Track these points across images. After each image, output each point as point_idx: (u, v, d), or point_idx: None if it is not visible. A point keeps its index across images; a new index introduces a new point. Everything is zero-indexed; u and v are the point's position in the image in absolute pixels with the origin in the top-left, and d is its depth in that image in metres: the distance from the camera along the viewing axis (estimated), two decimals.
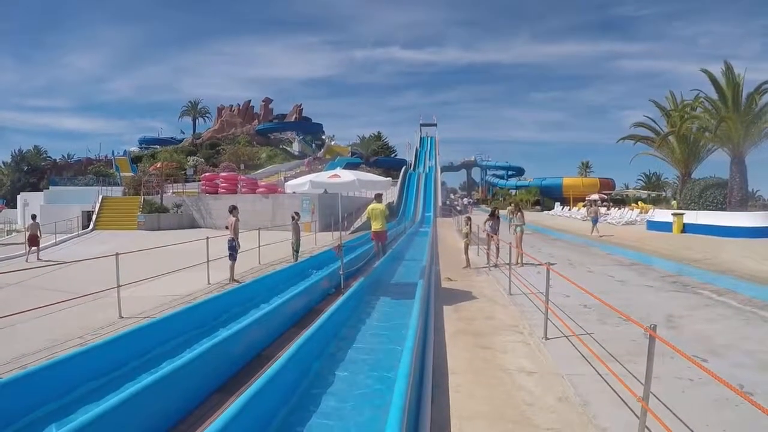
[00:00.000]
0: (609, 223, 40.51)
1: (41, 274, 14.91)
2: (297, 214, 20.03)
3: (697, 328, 9.11)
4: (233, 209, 15.68)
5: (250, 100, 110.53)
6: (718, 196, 29.60)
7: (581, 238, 27.76)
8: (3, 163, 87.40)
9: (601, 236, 27.91)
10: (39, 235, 23.64)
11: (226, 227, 15.73)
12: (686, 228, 27.60)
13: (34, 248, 23.18)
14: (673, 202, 42.74)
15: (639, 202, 52.73)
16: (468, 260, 18.12)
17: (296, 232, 19.20)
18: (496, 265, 17.30)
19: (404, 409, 4.84)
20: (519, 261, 17.21)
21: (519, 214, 18.54)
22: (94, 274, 14.11)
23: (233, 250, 15.13)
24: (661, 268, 16.36)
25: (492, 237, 18.10)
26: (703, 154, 34.77)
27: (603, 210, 46.37)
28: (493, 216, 19.05)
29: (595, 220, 30.67)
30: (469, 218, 20.25)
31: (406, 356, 6.39)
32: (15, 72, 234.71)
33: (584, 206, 52.18)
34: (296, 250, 19.05)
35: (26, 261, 22.45)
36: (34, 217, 24.71)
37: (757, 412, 4.37)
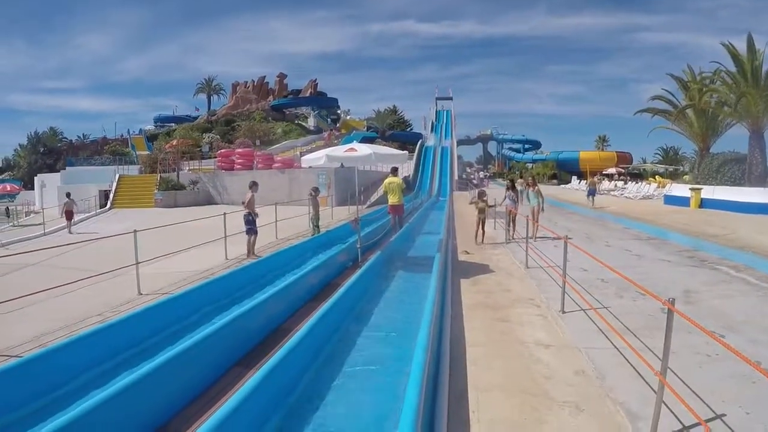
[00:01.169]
0: (626, 197, 40.36)
1: (60, 254, 15.04)
2: (316, 189, 19.47)
3: (715, 303, 9.09)
4: (253, 185, 15.78)
5: (264, 76, 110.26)
6: (736, 172, 29.38)
7: (598, 212, 27.65)
8: (19, 145, 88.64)
9: (597, 207, 29.98)
10: (74, 210, 28.10)
11: (243, 202, 15.77)
12: (704, 203, 27.43)
13: (70, 221, 27.05)
14: (686, 177, 42.78)
15: (656, 177, 52.38)
16: (481, 236, 17.54)
17: (315, 206, 18.79)
18: (513, 239, 17.09)
19: (423, 381, 4.91)
20: (534, 235, 16.58)
21: (536, 188, 18.30)
22: (112, 252, 14.21)
23: (251, 224, 15.16)
24: (679, 243, 16.28)
25: (511, 210, 17.81)
26: (721, 128, 34.44)
27: (607, 183, 47.23)
28: (513, 188, 18.76)
29: (592, 192, 32.46)
30: (483, 192, 19.05)
31: (424, 328, 6.45)
32: (27, 55, 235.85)
33: (601, 180, 51.96)
34: (316, 224, 18.71)
35: (69, 233, 25.55)
36: (68, 194, 29.28)
37: None
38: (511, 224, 17.83)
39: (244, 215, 15.24)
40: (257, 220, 15.40)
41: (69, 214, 27.36)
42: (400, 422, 4.11)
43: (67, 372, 6.25)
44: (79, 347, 6.60)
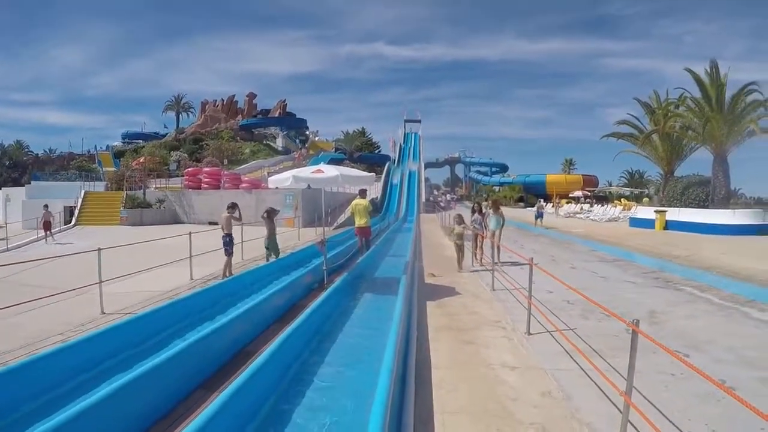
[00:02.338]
0: (592, 219, 40.81)
1: (22, 270, 14.69)
2: (271, 210, 17.05)
3: (679, 323, 9.17)
4: (231, 206, 15.29)
5: (234, 95, 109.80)
6: (700, 194, 29.85)
7: (565, 235, 27.88)
8: None
9: (545, 226, 33.58)
10: (51, 221, 29.88)
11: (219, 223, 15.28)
12: (669, 225, 27.82)
13: (48, 231, 28.87)
14: (645, 200, 44.21)
15: (622, 199, 53.11)
16: (460, 264, 16.24)
17: (270, 229, 16.59)
18: (481, 264, 16.74)
19: (387, 404, 4.81)
20: (498, 259, 15.86)
21: (499, 211, 17.60)
22: (75, 269, 13.95)
23: (228, 245, 14.74)
24: (644, 264, 16.45)
25: (478, 234, 17.17)
26: (685, 152, 35.20)
27: (573, 206, 49.94)
28: (479, 211, 17.81)
29: (540, 214, 36.10)
30: (460, 216, 17.30)
31: (389, 351, 6.35)
32: None
33: (567, 203, 52.75)
34: (270, 248, 16.63)
35: (46, 243, 27.48)
36: (46, 206, 30.81)
37: (739, 407, 4.38)
38: (478, 248, 17.38)
39: (223, 236, 14.80)
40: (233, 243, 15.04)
41: (47, 225, 29.05)
42: None
43: (15, 398, 5.97)
44: (31, 371, 6.33)
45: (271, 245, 16.46)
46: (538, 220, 35.42)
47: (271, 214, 16.53)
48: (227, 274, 14.39)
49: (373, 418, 4.49)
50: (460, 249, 16.36)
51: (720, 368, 6.64)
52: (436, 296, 12.13)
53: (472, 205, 19.20)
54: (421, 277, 15.04)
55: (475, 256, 17.25)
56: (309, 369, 7.77)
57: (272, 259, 16.27)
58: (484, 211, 18.31)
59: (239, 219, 15.54)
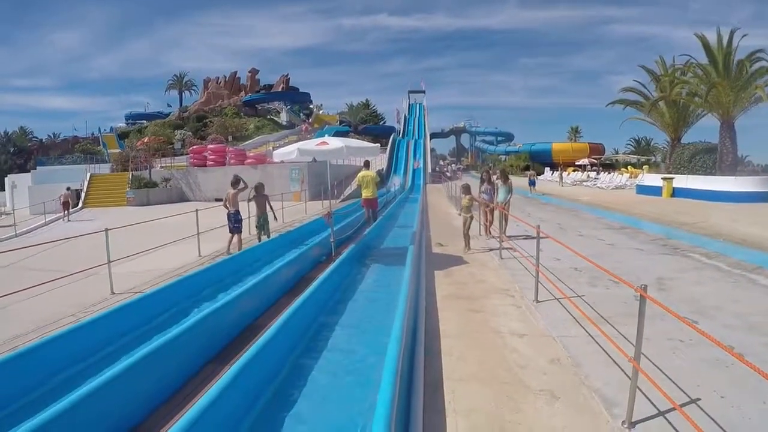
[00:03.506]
0: (599, 187, 40.73)
1: (31, 255, 14.73)
2: (261, 184, 15.81)
3: (687, 290, 9.16)
4: (236, 181, 15.03)
5: (236, 72, 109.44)
6: (707, 161, 29.73)
7: (571, 203, 27.82)
8: None
9: (542, 193, 36.14)
10: (70, 201, 33.15)
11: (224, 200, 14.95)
12: (676, 192, 27.74)
13: (67, 211, 32.07)
14: (645, 167, 44.96)
15: (629, 167, 52.92)
16: (468, 241, 14.45)
17: (260, 207, 15.45)
18: (490, 233, 16.14)
19: (397, 373, 4.85)
20: (504, 230, 14.73)
21: (508, 181, 16.23)
22: (84, 251, 13.95)
23: (237, 222, 14.51)
24: (651, 231, 16.41)
25: (488, 205, 16.04)
26: (692, 119, 34.80)
27: (579, 174, 51.44)
28: (488, 181, 16.51)
29: (533, 182, 39.61)
30: (467, 186, 15.28)
31: (398, 320, 6.39)
32: None
33: (573, 171, 52.67)
34: (261, 226, 15.57)
35: (63, 222, 30.52)
36: (68, 188, 34.65)
37: (747, 373, 4.40)
38: (488, 220, 16.40)
39: (232, 213, 14.54)
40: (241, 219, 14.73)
41: (66, 205, 32.05)
42: (374, 414, 4.04)
43: (36, 375, 6.07)
44: (48, 350, 6.39)
45: (263, 224, 15.56)
46: (531, 187, 38.44)
47: (260, 190, 15.45)
48: (237, 250, 14.07)
49: (383, 385, 4.53)
50: (468, 223, 14.50)
51: (728, 334, 6.65)
52: (444, 266, 12.15)
53: (480, 174, 17.89)
54: (429, 246, 15.06)
55: (485, 228, 16.52)
56: (323, 333, 7.88)
57: (264, 238, 15.45)
58: (493, 180, 17.02)
59: (246, 186, 15.27)
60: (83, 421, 4.74)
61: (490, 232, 16.30)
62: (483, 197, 16.09)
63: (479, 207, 16.12)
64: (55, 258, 14.80)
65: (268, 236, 15.65)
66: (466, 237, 14.51)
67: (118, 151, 62.23)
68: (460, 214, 15.03)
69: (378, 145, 17.99)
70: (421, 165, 59.61)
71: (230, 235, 14.55)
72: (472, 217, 14.58)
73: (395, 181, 47.90)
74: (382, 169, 51.15)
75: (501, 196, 16.07)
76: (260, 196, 15.32)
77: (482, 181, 16.87)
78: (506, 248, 13.13)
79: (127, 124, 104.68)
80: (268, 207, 15.47)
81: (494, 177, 17.85)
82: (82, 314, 8.94)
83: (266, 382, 5.88)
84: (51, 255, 15.07)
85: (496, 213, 15.58)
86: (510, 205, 16.14)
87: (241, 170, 37.12)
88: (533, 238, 10.25)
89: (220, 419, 4.70)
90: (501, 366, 6.13)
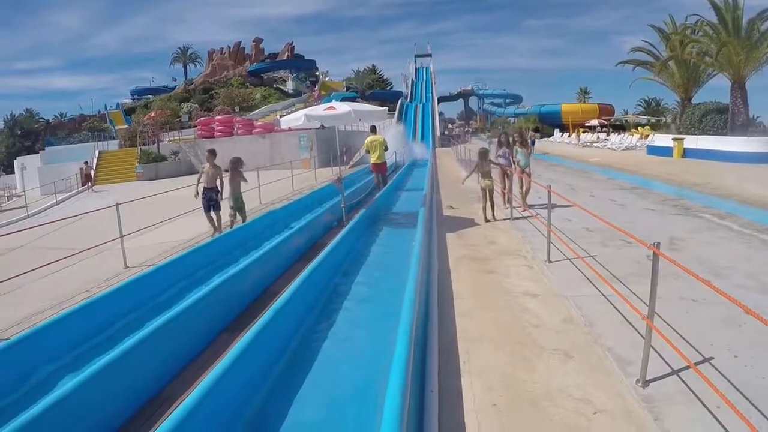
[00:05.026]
0: (609, 148, 40.47)
1: (43, 235, 14.79)
2: (237, 159, 13.68)
3: (699, 250, 9.15)
4: (210, 154, 13.32)
5: (240, 42, 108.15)
6: (718, 121, 29.39)
7: (581, 164, 27.69)
8: None
9: (543, 152, 37.36)
10: (91, 174, 36.08)
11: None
12: (687, 153, 27.48)
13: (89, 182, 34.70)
14: (646, 127, 45.21)
15: (639, 128, 52.52)
16: (486, 212, 13.06)
17: (234, 184, 13.28)
18: (507, 204, 13.51)
19: (411, 333, 4.89)
20: (524, 202, 13.94)
21: (526, 144, 14.82)
22: (96, 227, 13.96)
23: (209, 200, 12.80)
24: (662, 192, 16.32)
25: (506, 171, 13.94)
26: (703, 78, 34.28)
27: (589, 135, 53.27)
28: (506, 144, 14.45)
29: (532, 142, 37.36)
30: (485, 151, 13.60)
31: (411, 281, 6.42)
32: None
33: (584, 132, 52.39)
34: (236, 207, 13.43)
35: (89, 192, 33.10)
36: (86, 162, 37.42)
37: (761, 332, 4.42)
38: (507, 188, 13.90)
39: (205, 191, 12.92)
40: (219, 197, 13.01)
41: (88, 177, 35.08)
42: (390, 374, 4.08)
43: (57, 349, 6.21)
44: (65, 325, 6.51)
45: (237, 205, 13.48)
46: (531, 147, 36.61)
47: (236, 165, 13.40)
48: (219, 231, 12.85)
49: (398, 346, 4.57)
50: (488, 194, 12.99)
51: (742, 293, 6.63)
52: (455, 228, 12.17)
53: (498, 137, 15.86)
54: (439, 209, 15.06)
55: (504, 197, 14.13)
56: (341, 290, 8.14)
57: (238, 223, 13.33)
58: (509, 142, 14.59)
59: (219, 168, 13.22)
60: (101, 393, 4.83)
61: (507, 202, 13.70)
62: (500, 161, 14.13)
63: (500, 173, 14.15)
64: (68, 235, 14.89)
65: (244, 219, 13.58)
66: (485, 210, 13.05)
67: (125, 127, 61.78)
68: (479, 186, 13.29)
69: (386, 108, 17.84)
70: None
71: (208, 215, 12.94)
72: (491, 187, 12.97)
73: (415, 148, 45.97)
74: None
75: (522, 160, 14.14)
76: (235, 173, 13.25)
77: (499, 144, 14.87)
78: (525, 216, 12.95)
79: (133, 99, 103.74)
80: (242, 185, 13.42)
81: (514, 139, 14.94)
82: (96, 289, 9.01)
83: (280, 351, 5.94)
84: (64, 233, 15.18)
85: (516, 179, 14.13)
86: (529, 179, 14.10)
87: (250, 140, 37.29)
88: (554, 206, 10.23)
89: (239, 384, 4.77)
90: (514, 326, 6.18)
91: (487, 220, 12.93)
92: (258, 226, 13.07)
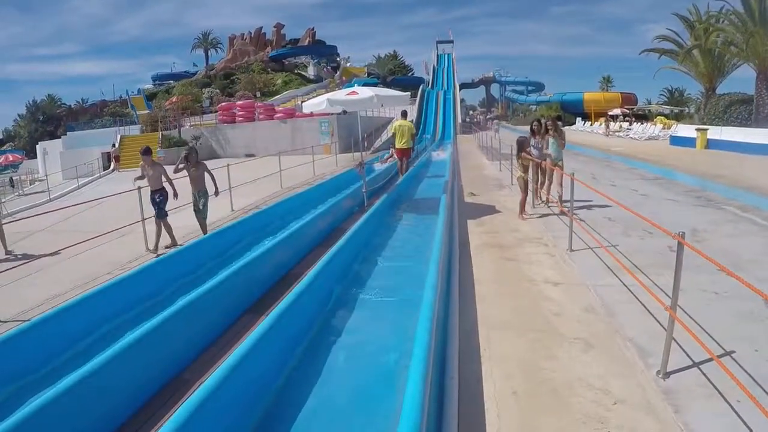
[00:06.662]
0: (631, 138, 40.09)
1: (65, 218, 14.96)
2: (192, 148, 12.10)
3: (722, 242, 9.08)
4: (188, 154, 11.49)
5: (261, 27, 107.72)
6: (743, 113, 29.06)
7: (604, 153, 27.49)
8: (19, 115, 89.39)
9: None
10: (119, 156, 36.91)
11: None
12: (710, 144, 27.15)
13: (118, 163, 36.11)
14: (661, 117, 44.72)
15: (661, 118, 52.01)
16: (523, 207, 11.92)
17: (196, 182, 11.54)
18: (543, 201, 13.25)
19: (433, 319, 4.92)
20: (547, 196, 13.18)
21: (559, 133, 13.04)
22: (118, 211, 14.13)
23: (157, 204, 11.09)
24: (685, 183, 16.18)
25: (540, 163, 12.58)
26: (727, 68, 33.87)
27: (612, 124, 51.66)
28: (538, 133, 12.82)
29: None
30: (524, 141, 12.02)
31: (432, 267, 6.46)
32: (20, 24, 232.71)
33: (606, 121, 51.93)
34: (199, 210, 11.60)
35: (118, 172, 34.56)
36: (114, 145, 38.93)
37: None
38: (537, 180, 13.04)
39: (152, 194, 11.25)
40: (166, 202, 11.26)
41: (117, 158, 36.55)
42: (411, 359, 4.12)
43: (81, 329, 6.35)
44: (91, 304, 6.68)
45: (202, 207, 11.61)
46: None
47: (191, 158, 11.47)
48: (174, 244, 11.14)
49: (419, 330, 4.61)
50: (525, 185, 11.94)
51: (765, 288, 6.56)
52: (477, 215, 12.19)
53: (530, 124, 13.45)
54: (461, 196, 15.07)
55: (536, 192, 13.19)
56: (362, 274, 8.24)
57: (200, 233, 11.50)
58: (542, 131, 12.89)
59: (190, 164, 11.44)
60: (125, 371, 4.95)
61: (540, 196, 13.30)
62: (533, 152, 12.40)
63: (531, 165, 12.34)
64: (90, 219, 15.13)
65: (204, 232, 11.51)
66: (523, 204, 11.94)
67: (146, 112, 61.92)
68: (517, 176, 12.21)
69: (408, 94, 17.79)
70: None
71: (157, 223, 11.07)
72: (525, 177, 11.89)
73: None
74: (413, 119, 50.82)
75: (554, 152, 12.76)
76: (194, 166, 11.48)
77: (532, 133, 13.02)
78: (556, 213, 11.95)
79: (155, 85, 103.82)
80: (208, 180, 11.62)
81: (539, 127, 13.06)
82: (118, 271, 9.16)
83: (302, 333, 6.02)
84: (86, 216, 15.37)
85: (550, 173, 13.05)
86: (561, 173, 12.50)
87: (271, 125, 37.39)
88: (591, 206, 10.15)
89: (262, 366, 4.86)
90: (535, 314, 6.21)
91: (524, 218, 11.76)
92: (281, 209, 13.16)
